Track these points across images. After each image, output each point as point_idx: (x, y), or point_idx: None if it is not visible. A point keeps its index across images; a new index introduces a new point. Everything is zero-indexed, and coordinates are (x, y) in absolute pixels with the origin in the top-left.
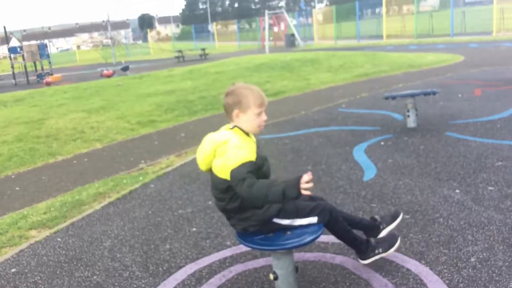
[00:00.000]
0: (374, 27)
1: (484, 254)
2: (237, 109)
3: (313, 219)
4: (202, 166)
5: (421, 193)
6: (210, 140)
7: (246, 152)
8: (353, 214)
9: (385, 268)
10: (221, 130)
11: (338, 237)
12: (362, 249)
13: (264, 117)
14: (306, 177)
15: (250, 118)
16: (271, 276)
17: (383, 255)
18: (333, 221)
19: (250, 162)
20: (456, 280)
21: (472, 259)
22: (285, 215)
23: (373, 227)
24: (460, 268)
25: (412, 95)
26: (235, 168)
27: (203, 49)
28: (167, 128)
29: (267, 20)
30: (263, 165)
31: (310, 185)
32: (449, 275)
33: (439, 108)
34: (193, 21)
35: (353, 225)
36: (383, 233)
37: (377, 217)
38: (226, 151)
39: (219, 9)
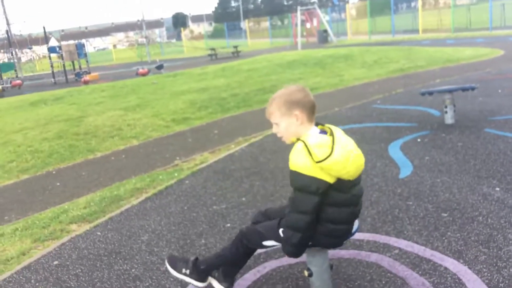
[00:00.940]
0: (410, 21)
1: None
2: None
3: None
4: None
5: (459, 191)
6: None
7: None
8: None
9: (422, 266)
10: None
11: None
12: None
13: (273, 129)
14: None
15: None
16: (306, 273)
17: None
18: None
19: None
20: (496, 280)
21: None
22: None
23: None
24: (500, 267)
25: (450, 91)
26: None
27: (236, 47)
28: (200, 125)
29: (299, 16)
30: None
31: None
32: (489, 275)
33: (478, 104)
34: (225, 19)
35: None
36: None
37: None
38: None
39: (251, 6)
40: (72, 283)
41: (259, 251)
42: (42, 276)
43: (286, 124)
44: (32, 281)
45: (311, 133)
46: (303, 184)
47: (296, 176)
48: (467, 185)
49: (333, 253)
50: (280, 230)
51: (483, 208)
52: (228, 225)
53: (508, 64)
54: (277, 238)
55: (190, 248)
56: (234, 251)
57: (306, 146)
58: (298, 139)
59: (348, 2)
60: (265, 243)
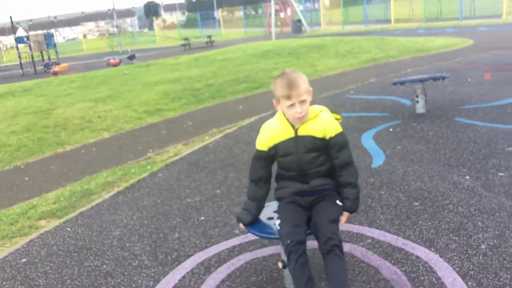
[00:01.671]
0: (382, 11)
1: (495, 241)
2: (274, 98)
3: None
4: None
5: (431, 180)
6: None
7: (261, 141)
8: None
9: (394, 255)
10: None
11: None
12: None
13: (298, 109)
14: (241, 226)
15: (284, 109)
16: (280, 265)
17: None
18: (287, 253)
19: (258, 152)
20: (466, 268)
21: (483, 246)
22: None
23: None
24: (471, 255)
25: (421, 80)
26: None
27: (209, 37)
28: (174, 117)
29: (273, 6)
30: (283, 156)
31: (242, 229)
32: (459, 262)
33: (448, 93)
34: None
35: None
36: None
37: None
38: None
39: None
40: (41, 281)
41: (234, 243)
42: (9, 275)
43: (309, 100)
44: None
45: (316, 106)
46: (347, 140)
47: (344, 136)
48: (437, 174)
49: (307, 243)
50: (338, 201)
51: (453, 196)
52: (202, 218)
53: (478, 53)
54: (341, 211)
55: (163, 242)
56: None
57: (329, 113)
58: (319, 112)
59: None
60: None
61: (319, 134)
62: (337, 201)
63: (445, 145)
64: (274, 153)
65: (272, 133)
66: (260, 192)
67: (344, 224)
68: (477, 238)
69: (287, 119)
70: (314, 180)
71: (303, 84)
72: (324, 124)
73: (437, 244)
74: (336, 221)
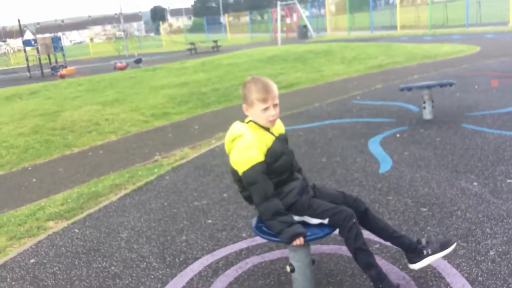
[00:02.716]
0: (388, 17)
1: (504, 247)
2: (244, 103)
3: (324, 221)
4: (226, 150)
5: (438, 186)
6: (231, 130)
7: (255, 152)
8: (394, 228)
9: (402, 261)
10: (242, 122)
11: (350, 251)
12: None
13: (271, 112)
14: (298, 242)
15: (256, 113)
16: (288, 268)
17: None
18: (347, 230)
19: (260, 164)
20: (475, 274)
21: (491, 252)
22: (296, 211)
23: (414, 250)
24: (479, 261)
25: (428, 87)
26: (246, 171)
27: (215, 41)
28: (180, 120)
29: (279, 12)
30: (278, 159)
31: (300, 244)
32: (468, 269)
33: (455, 100)
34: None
35: (390, 239)
36: (424, 262)
37: (423, 240)
38: (236, 146)
39: (231, 0)
40: (49, 281)
41: (241, 246)
42: (18, 275)
43: None
44: (8, 279)
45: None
46: None
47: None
48: (445, 180)
49: (314, 248)
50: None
51: (461, 202)
52: (210, 221)
53: (484, 60)
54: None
55: (170, 244)
56: (353, 242)
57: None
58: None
59: None
60: None
61: (283, 130)
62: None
63: (453, 151)
64: (269, 159)
65: (258, 143)
66: (281, 203)
67: None
68: (486, 245)
69: (260, 126)
70: (299, 173)
71: (276, 88)
72: (279, 121)
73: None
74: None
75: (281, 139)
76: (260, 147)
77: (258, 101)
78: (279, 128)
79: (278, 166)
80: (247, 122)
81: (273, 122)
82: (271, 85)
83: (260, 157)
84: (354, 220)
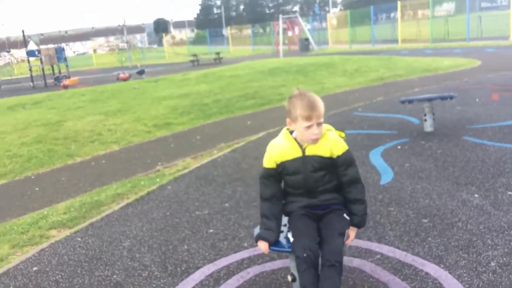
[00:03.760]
0: (389, 31)
1: (505, 258)
2: (288, 117)
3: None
4: None
5: (439, 197)
6: None
7: (268, 158)
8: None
9: (403, 271)
10: (287, 127)
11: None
12: None
13: (314, 130)
14: (262, 246)
15: (299, 129)
16: (289, 278)
17: None
18: (297, 261)
19: (266, 170)
20: (476, 285)
21: (492, 264)
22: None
23: None
24: (480, 272)
25: (429, 99)
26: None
27: (218, 53)
28: (182, 131)
29: (281, 25)
30: (291, 175)
31: (263, 249)
32: (469, 279)
33: (456, 113)
34: (207, 25)
35: None
36: None
37: None
38: None
39: (233, 13)
40: None
41: (242, 255)
42: (21, 283)
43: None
44: (11, 287)
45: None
46: (354, 158)
47: (350, 154)
48: (446, 192)
49: None
50: (345, 215)
51: (462, 214)
52: (211, 230)
53: (485, 74)
54: (348, 225)
55: (172, 254)
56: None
57: (334, 131)
58: (325, 131)
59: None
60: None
61: (326, 154)
62: (345, 215)
63: (454, 164)
64: (281, 170)
65: (280, 151)
66: (277, 209)
67: (353, 239)
68: (487, 256)
69: (295, 139)
70: (322, 195)
71: (322, 106)
72: (331, 143)
73: (446, 261)
74: (343, 234)
75: (309, 161)
76: (274, 157)
77: (302, 118)
78: (320, 149)
79: (289, 180)
80: (287, 128)
81: (315, 140)
82: (317, 102)
83: (270, 164)
84: (307, 267)
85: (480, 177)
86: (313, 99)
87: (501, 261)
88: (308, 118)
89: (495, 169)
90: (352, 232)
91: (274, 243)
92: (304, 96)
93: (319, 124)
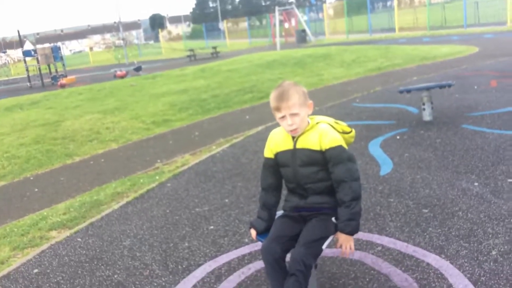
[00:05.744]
0: (386, 20)
1: (506, 247)
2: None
3: None
4: None
5: (439, 187)
6: None
7: (266, 148)
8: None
9: (405, 263)
10: None
11: None
12: None
13: (288, 121)
14: (252, 233)
15: (278, 120)
16: None
17: None
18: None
19: (265, 159)
20: (477, 274)
21: (493, 252)
22: None
23: None
24: (481, 261)
25: (428, 88)
26: None
27: (215, 47)
28: (181, 127)
29: (277, 16)
30: (282, 167)
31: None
32: (470, 269)
33: (454, 101)
34: (203, 19)
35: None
36: None
37: None
38: None
39: (229, 7)
40: None
41: (243, 251)
42: (22, 285)
43: (304, 114)
44: None
45: (316, 117)
46: (350, 154)
47: (343, 150)
48: (446, 181)
49: None
50: (333, 219)
51: (462, 203)
52: (212, 227)
53: (483, 60)
54: (331, 230)
55: (173, 251)
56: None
57: (330, 125)
58: (315, 123)
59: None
60: (324, 245)
61: (315, 147)
62: (333, 219)
63: (453, 152)
64: (278, 161)
65: (274, 142)
66: (271, 200)
67: (348, 246)
68: (488, 245)
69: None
70: (312, 196)
71: (296, 96)
72: (319, 135)
73: (447, 250)
74: (316, 241)
75: (298, 154)
76: (271, 147)
77: (273, 110)
78: (310, 141)
79: (282, 172)
80: None
81: (293, 132)
82: (288, 93)
83: (268, 154)
84: (265, 258)
85: (479, 165)
86: (285, 89)
87: (502, 250)
88: (277, 109)
89: (495, 157)
90: (340, 237)
91: (262, 232)
92: (277, 88)
93: (292, 115)
